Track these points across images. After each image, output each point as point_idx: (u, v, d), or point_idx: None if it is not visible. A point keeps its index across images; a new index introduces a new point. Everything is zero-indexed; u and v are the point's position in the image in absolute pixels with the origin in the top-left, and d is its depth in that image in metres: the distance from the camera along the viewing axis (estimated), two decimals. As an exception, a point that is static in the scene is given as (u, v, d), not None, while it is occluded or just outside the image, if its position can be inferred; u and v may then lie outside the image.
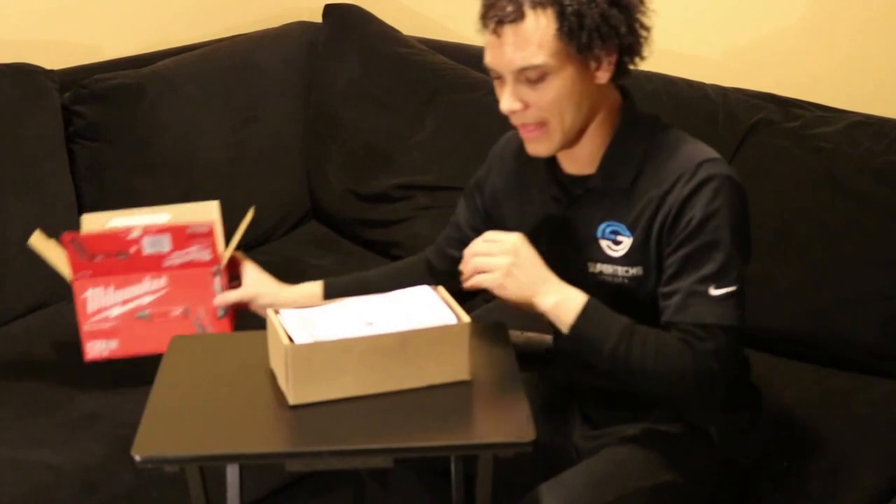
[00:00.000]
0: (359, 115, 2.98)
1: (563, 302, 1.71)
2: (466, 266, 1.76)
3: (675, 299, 1.72)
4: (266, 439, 1.64)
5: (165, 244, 2.08)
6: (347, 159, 2.95)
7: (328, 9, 3.13)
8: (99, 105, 2.66)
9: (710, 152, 1.75)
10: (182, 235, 2.08)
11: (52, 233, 2.54)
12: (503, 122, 2.81)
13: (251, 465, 1.99)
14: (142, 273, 2.11)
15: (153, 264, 2.10)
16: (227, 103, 2.89)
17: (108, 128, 2.67)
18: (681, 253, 1.71)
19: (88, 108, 2.65)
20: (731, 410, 1.88)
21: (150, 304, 2.13)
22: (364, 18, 3.08)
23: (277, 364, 1.69)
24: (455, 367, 1.70)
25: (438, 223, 2.56)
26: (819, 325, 2.28)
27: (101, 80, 2.67)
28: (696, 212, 1.69)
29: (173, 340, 1.89)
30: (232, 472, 1.87)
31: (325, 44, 3.07)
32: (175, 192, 2.70)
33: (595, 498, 1.73)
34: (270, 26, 3.12)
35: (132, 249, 2.08)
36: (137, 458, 1.55)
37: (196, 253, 2.10)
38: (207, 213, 2.26)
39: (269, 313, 1.72)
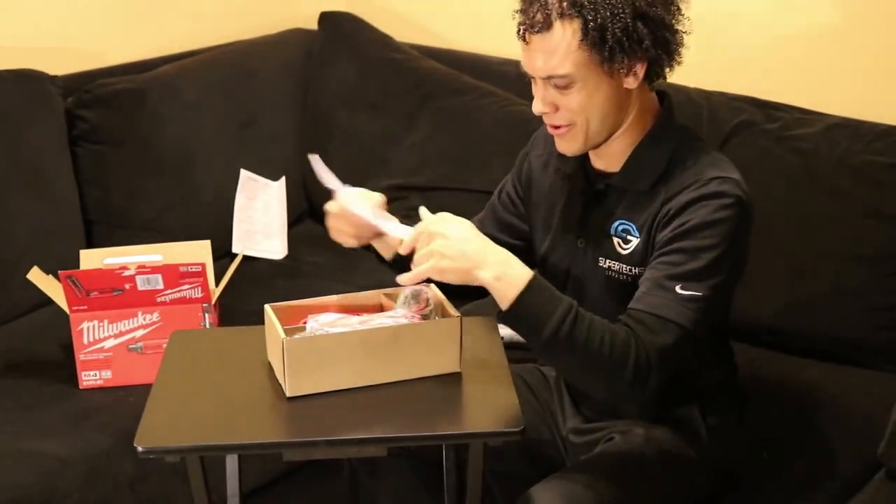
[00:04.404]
0: (353, 119, 3.00)
1: (505, 276, 1.65)
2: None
3: (640, 289, 1.71)
4: (264, 430, 1.68)
5: (158, 282, 2.18)
6: (343, 161, 2.90)
7: (323, 16, 3.16)
8: (102, 109, 2.68)
9: (730, 171, 1.75)
10: (175, 274, 2.18)
11: (57, 235, 2.58)
12: (493, 126, 2.86)
13: (250, 455, 2.02)
14: (135, 308, 2.21)
15: (147, 300, 2.20)
16: (226, 107, 2.90)
17: (110, 131, 2.69)
18: (664, 249, 1.71)
19: (92, 113, 2.67)
20: (718, 413, 1.89)
21: (143, 337, 2.23)
22: (358, 26, 3.12)
23: (275, 357, 1.72)
24: (446, 359, 1.74)
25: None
26: (798, 317, 2.33)
27: (104, 85, 2.69)
28: (693, 217, 1.70)
29: (174, 335, 1.93)
30: (231, 462, 1.91)
31: (321, 50, 3.10)
32: (175, 194, 2.77)
33: (593, 498, 1.73)
34: (267, 33, 3.14)
35: (127, 286, 2.17)
36: (140, 448, 1.58)
37: (188, 290, 2.21)
38: (200, 252, 2.36)
39: (267, 309, 1.75)
